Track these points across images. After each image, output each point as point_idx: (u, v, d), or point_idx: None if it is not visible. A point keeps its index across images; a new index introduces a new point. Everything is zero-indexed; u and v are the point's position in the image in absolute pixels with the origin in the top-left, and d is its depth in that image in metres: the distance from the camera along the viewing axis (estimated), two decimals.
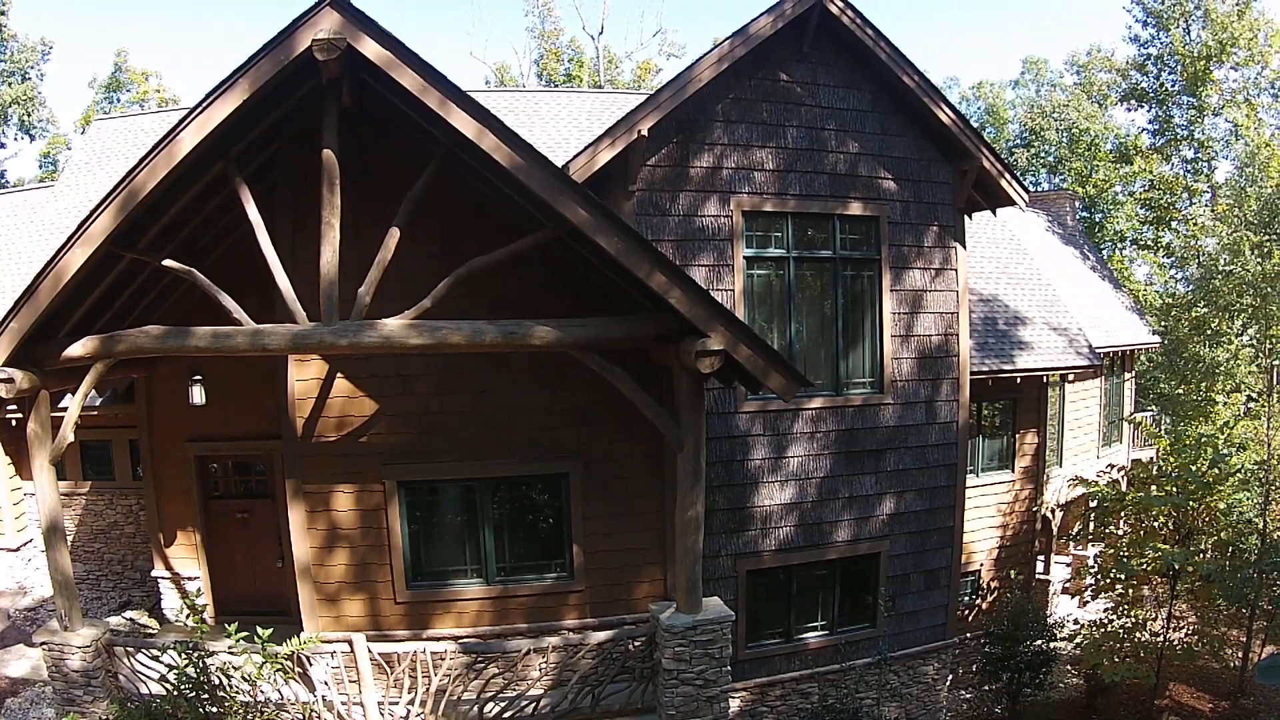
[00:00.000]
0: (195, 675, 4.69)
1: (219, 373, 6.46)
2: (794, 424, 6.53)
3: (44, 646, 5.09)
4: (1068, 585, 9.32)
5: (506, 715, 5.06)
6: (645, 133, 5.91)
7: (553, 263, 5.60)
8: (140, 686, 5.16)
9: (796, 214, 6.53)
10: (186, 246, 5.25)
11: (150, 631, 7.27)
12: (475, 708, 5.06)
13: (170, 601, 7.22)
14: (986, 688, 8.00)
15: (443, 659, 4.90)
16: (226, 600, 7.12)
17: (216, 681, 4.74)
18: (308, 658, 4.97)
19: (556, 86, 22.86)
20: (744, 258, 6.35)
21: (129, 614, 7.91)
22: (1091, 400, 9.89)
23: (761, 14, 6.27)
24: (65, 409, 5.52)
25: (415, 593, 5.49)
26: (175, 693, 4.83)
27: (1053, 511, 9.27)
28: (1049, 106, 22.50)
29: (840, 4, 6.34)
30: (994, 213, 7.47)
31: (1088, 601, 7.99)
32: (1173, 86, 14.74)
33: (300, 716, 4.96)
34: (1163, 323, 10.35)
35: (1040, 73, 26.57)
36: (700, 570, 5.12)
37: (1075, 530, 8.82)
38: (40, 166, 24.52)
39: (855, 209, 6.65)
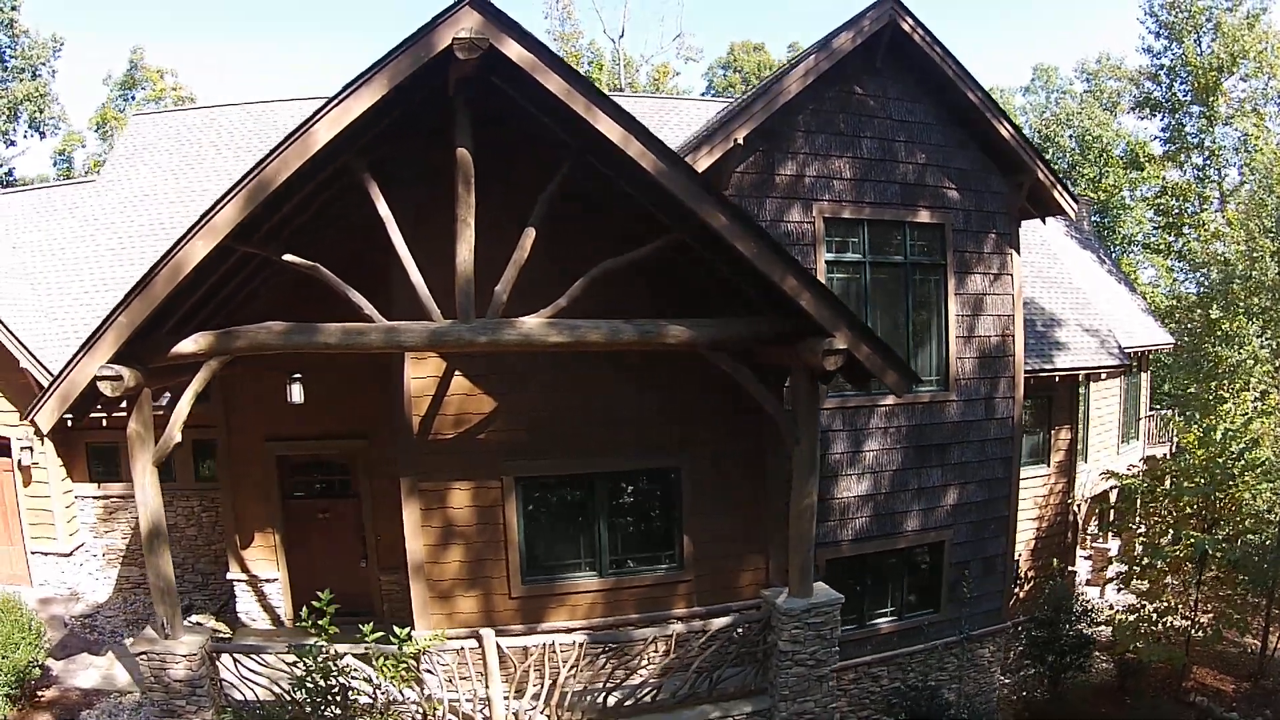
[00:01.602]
0: (320, 678, 4.62)
1: (302, 374, 6.37)
2: (870, 420, 6.81)
3: (143, 656, 4.90)
4: (1090, 578, 9.84)
5: (628, 704, 5.16)
6: (740, 141, 6.13)
7: (662, 265, 5.72)
8: (244, 693, 5.01)
9: (871, 220, 6.83)
10: (291, 242, 5.16)
11: (224, 636, 7.09)
12: (601, 697, 5.15)
13: (244, 605, 7.04)
14: (1029, 671, 8.39)
15: (571, 651, 4.97)
16: (306, 601, 6.93)
17: (342, 684, 4.67)
18: (417, 655, 4.94)
19: (620, 91, 22.93)
20: (825, 262, 6.60)
21: (194, 619, 7.66)
22: (1112, 399, 10.51)
23: (842, 30, 6.56)
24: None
25: (530, 587, 5.54)
26: (290, 698, 4.76)
27: (1078, 506, 9.80)
28: (1062, 113, 23.25)
29: (911, 23, 6.68)
30: (1044, 221, 7.92)
31: (1105, 592, 8.51)
32: (1184, 96, 15.59)
33: (422, 715, 4.93)
34: (1170, 324, 11.05)
35: (1050, 80, 27.44)
36: (812, 556, 5.33)
37: (1103, 523, 9.35)
38: (54, 164, 23.93)
39: (923, 217, 6.99)
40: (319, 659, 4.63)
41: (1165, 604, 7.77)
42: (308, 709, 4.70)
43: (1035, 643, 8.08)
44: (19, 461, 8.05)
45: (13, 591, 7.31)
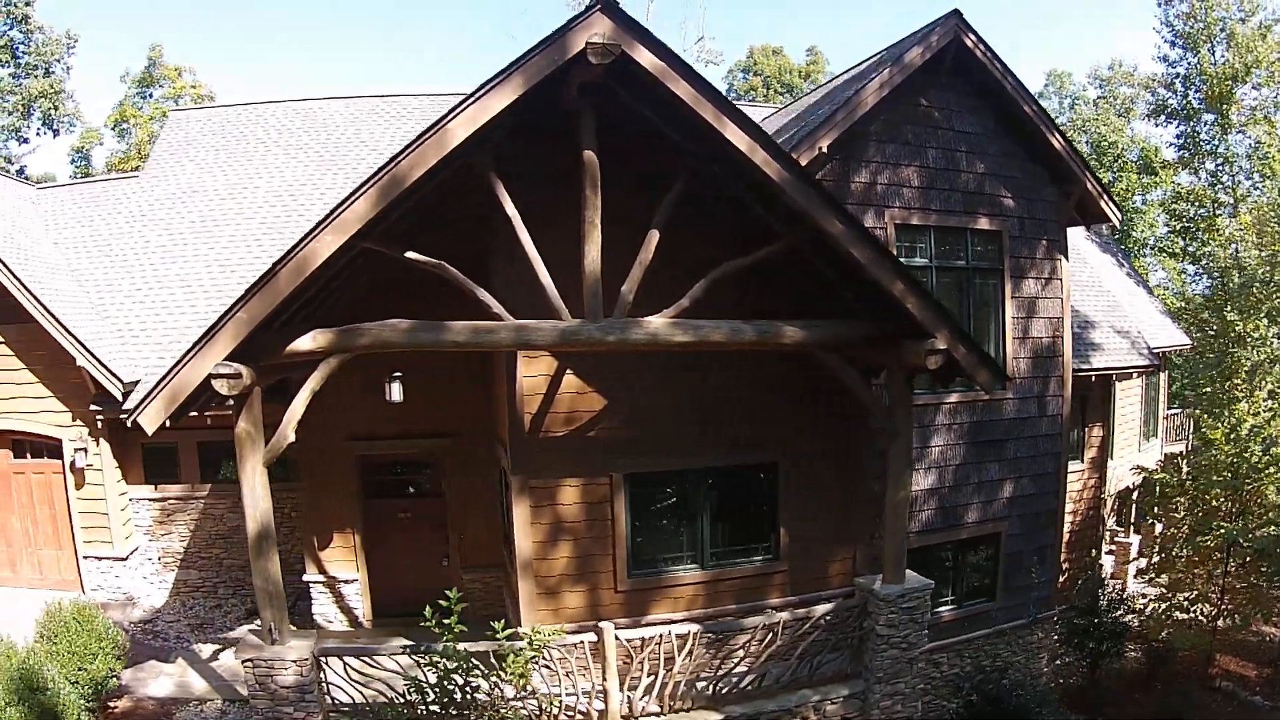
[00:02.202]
0: (454, 677, 4.65)
1: (382, 372, 6.40)
2: (935, 417, 7.14)
3: (248, 664, 4.85)
4: (1113, 570, 10.37)
5: (732, 691, 5.34)
6: (824, 149, 6.41)
7: (764, 267, 5.86)
8: (351, 696, 4.96)
9: (937, 227, 7.17)
10: (409, 239, 5.20)
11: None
12: (709, 686, 5.32)
13: (320, 608, 7.01)
14: (1065, 660, 8.81)
15: (686, 640, 5.14)
16: (385, 602, 7.00)
17: (470, 682, 4.69)
18: (540, 651, 5.01)
19: None
20: None
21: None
22: (1135, 398, 11.11)
23: (911, 45, 6.89)
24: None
25: (635, 581, 5.68)
26: (405, 699, 4.77)
27: (1105, 501, 10.35)
28: (1077, 119, 23.86)
29: (974, 38, 7.05)
30: (1088, 228, 8.39)
31: (1127, 584, 9.00)
32: (1198, 105, 16.40)
33: (538, 710, 5.00)
34: (1180, 325, 11.73)
35: (1063, 85, 28.24)
36: (905, 545, 5.61)
37: (1123, 518, 9.87)
38: (72, 162, 23.56)
39: (983, 224, 7.36)
40: (453, 659, 4.60)
41: (1196, 592, 8.28)
42: (434, 709, 4.72)
43: (1075, 630, 8.50)
44: (72, 463, 7.86)
45: (74, 598, 7.15)
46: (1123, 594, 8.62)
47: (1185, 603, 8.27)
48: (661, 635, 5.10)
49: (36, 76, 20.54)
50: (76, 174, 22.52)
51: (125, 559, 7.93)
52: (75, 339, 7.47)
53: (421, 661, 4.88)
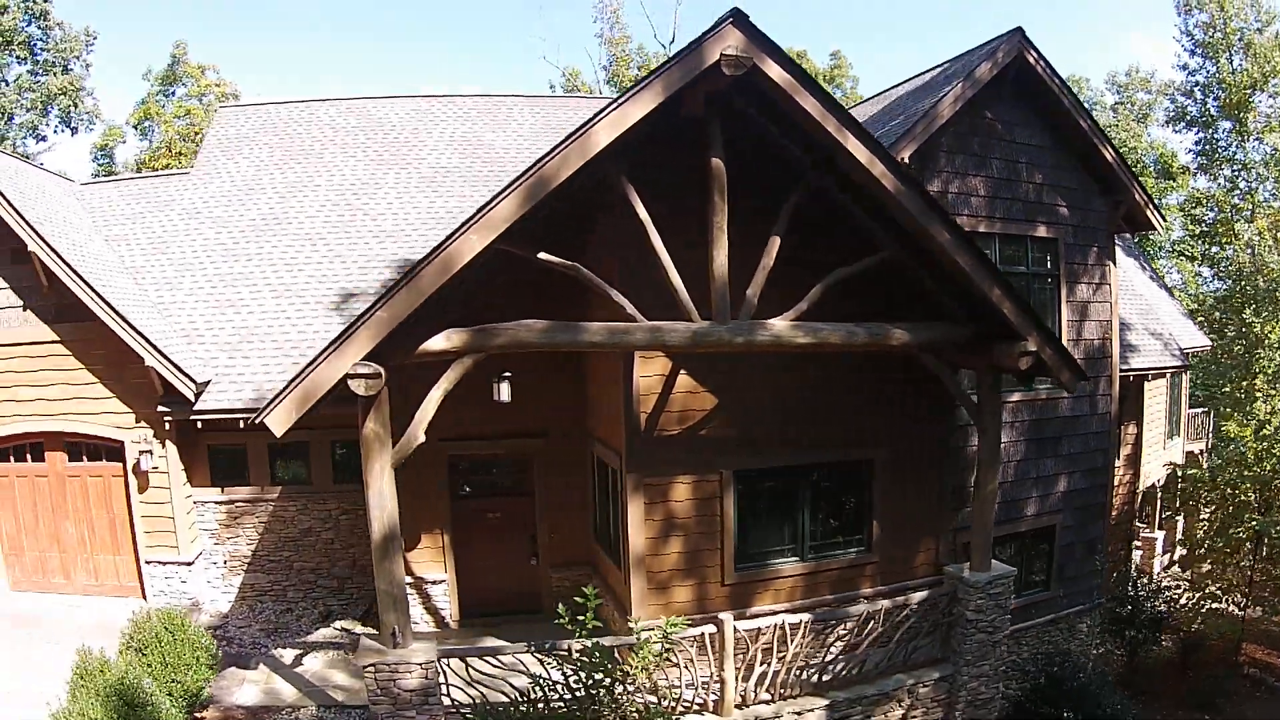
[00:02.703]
0: (567, 675, 4.77)
1: (471, 371, 6.49)
2: (999, 415, 7.52)
3: (370, 669, 4.86)
4: (1140, 564, 10.96)
5: (833, 678, 5.61)
6: (907, 159, 6.74)
7: (866, 273, 6.10)
8: (469, 696, 5.03)
9: (1000, 234, 7.57)
10: (538, 240, 5.29)
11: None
12: (814, 674, 5.58)
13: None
14: (1104, 649, 9.28)
15: (797, 630, 5.38)
16: (471, 602, 7.08)
17: (599, 678, 4.78)
18: (669, 645, 5.18)
19: None
20: None
21: (339, 624, 7.60)
22: (1161, 397, 11.76)
23: (981, 61, 7.27)
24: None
25: (741, 574, 5.90)
26: (528, 696, 4.89)
27: (1139, 495, 10.92)
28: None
29: (1035, 55, 7.47)
30: (1133, 236, 8.90)
31: (1153, 577, 9.55)
32: (1216, 113, 17.15)
33: (656, 701, 5.17)
34: (1204, 326, 12.44)
35: (1081, 90, 28.85)
36: (991, 535, 5.95)
37: (1149, 513, 10.46)
38: (95, 160, 23.63)
39: (1041, 231, 7.79)
40: (591, 656, 4.71)
41: (1226, 582, 8.84)
42: (558, 706, 4.83)
43: (1116, 619, 9.00)
44: (135, 465, 7.74)
45: (151, 606, 7.07)
46: (1159, 585, 9.15)
47: (1218, 592, 8.82)
48: (776, 625, 5.34)
49: (55, 73, 20.63)
50: (99, 172, 22.31)
51: (191, 564, 7.85)
52: (144, 338, 7.39)
53: (546, 660, 5.00)
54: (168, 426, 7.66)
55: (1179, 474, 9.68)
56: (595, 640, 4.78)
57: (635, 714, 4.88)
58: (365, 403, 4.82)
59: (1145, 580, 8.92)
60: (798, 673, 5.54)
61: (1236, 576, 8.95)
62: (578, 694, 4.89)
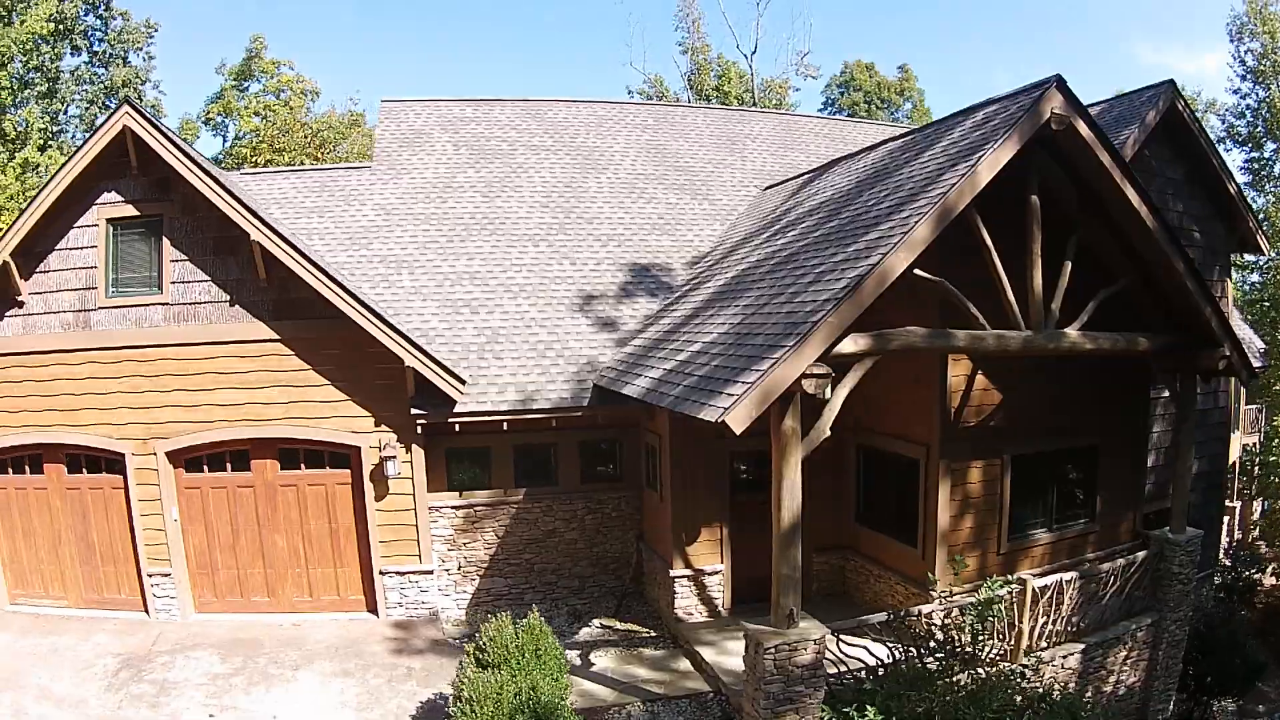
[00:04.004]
0: (925, 636, 7.24)
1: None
2: (1154, 408, 10.85)
3: (770, 650, 6.48)
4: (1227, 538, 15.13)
5: (1079, 626, 8.43)
6: None
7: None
8: (838, 669, 7.06)
9: None
10: None
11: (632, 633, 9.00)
12: (1077, 623, 8.38)
13: (683, 601, 9.02)
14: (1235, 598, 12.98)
15: (1070, 585, 8.15)
16: (741, 590, 9.24)
17: (979, 629, 7.21)
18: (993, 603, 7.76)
19: (861, 118, 27.55)
20: None
21: (599, 622, 9.40)
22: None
23: (1146, 109, 10.54)
24: None
25: (1011, 544, 8.55)
26: (893, 661, 7.23)
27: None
28: None
29: (1183, 104, 10.90)
30: (1241, 256, 12.69)
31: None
32: (1263, 134, 22.31)
33: (973, 649, 7.72)
34: (1261, 329, 16.95)
35: None
36: (1186, 503, 9.09)
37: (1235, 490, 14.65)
38: None
39: None
40: (980, 609, 7.10)
41: None
42: (920, 665, 7.21)
43: (1219, 587, 12.77)
44: (373, 471, 9.08)
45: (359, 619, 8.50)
46: (1254, 554, 13.07)
47: None
48: (1055, 583, 8.07)
49: (117, 65, 23.62)
50: None
51: (431, 572, 9.31)
52: (405, 337, 8.80)
53: (897, 628, 7.38)
54: (419, 430, 9.13)
55: (1255, 459, 13.75)
56: (967, 601, 7.27)
57: (984, 663, 7.42)
58: (783, 403, 6.57)
59: (1245, 552, 12.76)
60: (1063, 623, 8.33)
61: None
62: (938, 652, 7.28)
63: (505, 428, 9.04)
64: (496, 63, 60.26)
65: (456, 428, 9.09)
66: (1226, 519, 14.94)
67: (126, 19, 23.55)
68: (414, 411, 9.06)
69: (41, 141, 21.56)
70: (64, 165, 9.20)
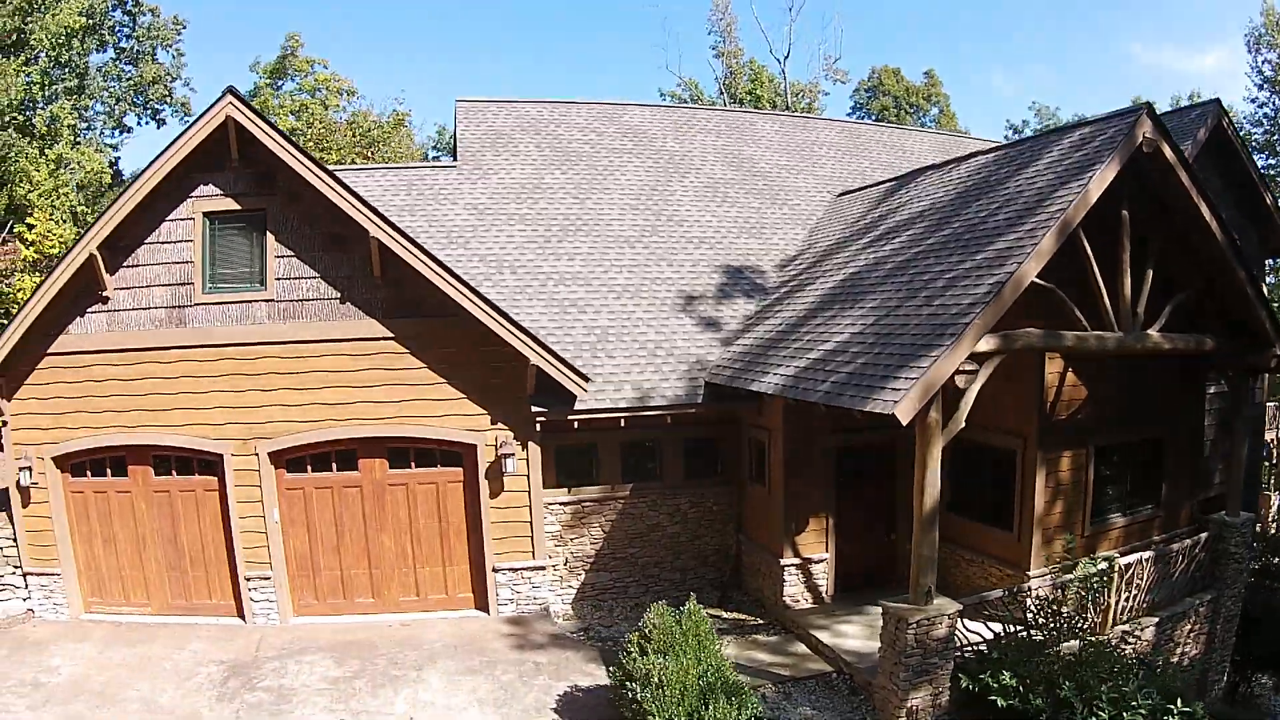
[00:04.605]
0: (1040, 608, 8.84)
1: None
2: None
3: (912, 625, 7.86)
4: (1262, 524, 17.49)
5: (1158, 601, 10.21)
6: None
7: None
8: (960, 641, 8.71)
9: None
10: None
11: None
12: (1150, 598, 10.14)
13: (791, 589, 10.37)
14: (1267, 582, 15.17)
15: (1149, 564, 9.88)
16: (843, 577, 10.65)
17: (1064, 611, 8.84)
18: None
19: (905, 125, 31.15)
20: None
21: (706, 612, 10.59)
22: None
23: (1199, 127, 12.51)
24: None
25: (1093, 527, 10.21)
26: (1005, 633, 8.81)
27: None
28: None
29: (1228, 121, 12.95)
30: (1274, 260, 14.91)
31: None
32: (1278, 142, 25.27)
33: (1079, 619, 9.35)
34: None
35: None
36: (1241, 490, 10.99)
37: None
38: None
39: None
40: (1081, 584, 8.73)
41: None
42: (1026, 634, 8.80)
43: (1264, 570, 14.94)
44: (489, 469, 10.06)
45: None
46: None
47: None
48: (1137, 561, 9.79)
49: (146, 61, 26.24)
50: None
51: (544, 568, 10.35)
52: (530, 336, 9.80)
53: (1010, 604, 8.96)
54: (538, 427, 10.18)
55: (1275, 453, 16.10)
56: (1075, 575, 8.87)
57: (1083, 634, 9.03)
58: (922, 393, 8.26)
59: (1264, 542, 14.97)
60: (1141, 598, 10.07)
61: None
62: (1046, 625, 8.85)
63: (622, 424, 10.19)
64: (526, 65, 69.79)
65: (575, 425, 10.19)
66: (1261, 509, 17.38)
67: (156, 15, 25.99)
68: (534, 409, 10.10)
69: (73, 138, 23.28)
70: (159, 157, 9.83)
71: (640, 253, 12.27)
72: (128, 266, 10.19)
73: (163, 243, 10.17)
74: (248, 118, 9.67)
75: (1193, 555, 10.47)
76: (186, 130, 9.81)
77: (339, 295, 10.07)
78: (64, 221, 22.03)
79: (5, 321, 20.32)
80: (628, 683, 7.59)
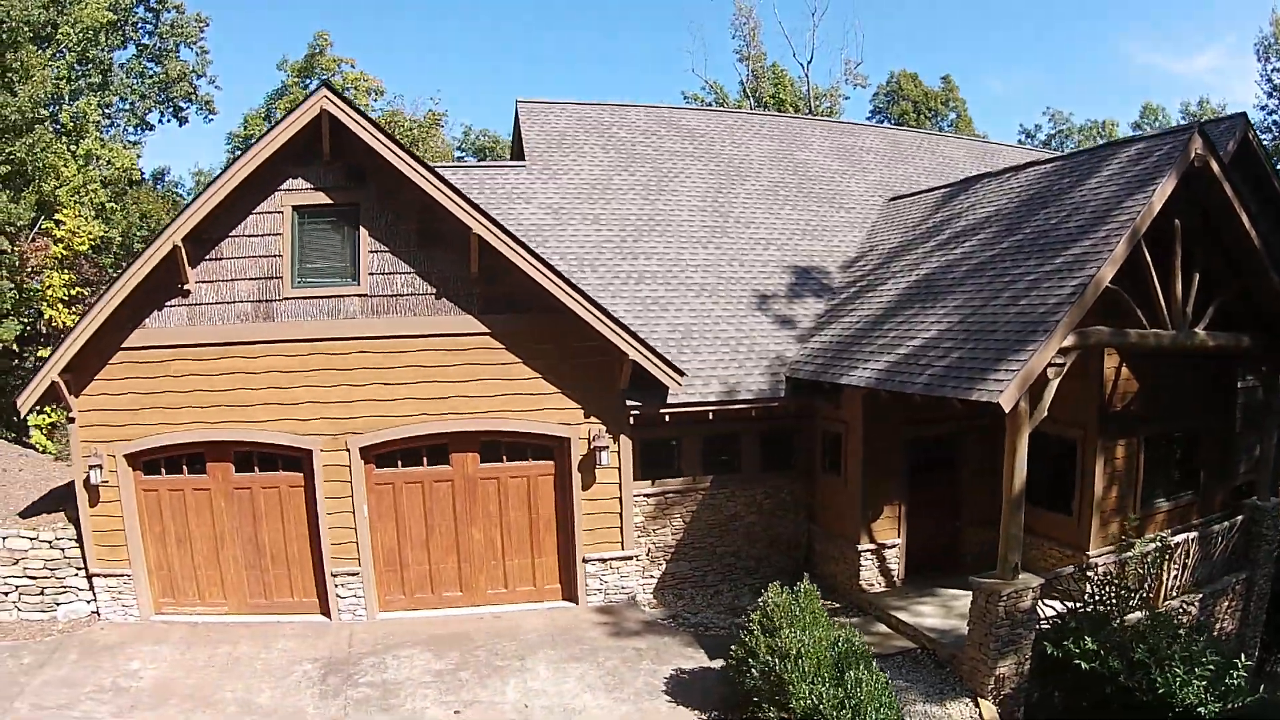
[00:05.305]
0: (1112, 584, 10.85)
1: None
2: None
3: (1004, 599, 9.75)
4: None
5: (1199, 579, 12.36)
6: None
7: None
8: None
9: None
10: None
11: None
12: (1194, 576, 12.27)
13: (866, 574, 12.12)
14: None
15: (1194, 543, 12.00)
16: (913, 561, 12.46)
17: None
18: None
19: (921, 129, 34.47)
20: None
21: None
22: None
23: (1228, 140, 14.85)
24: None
25: (1142, 511, 12.26)
26: (1078, 607, 10.79)
27: None
28: None
29: (1253, 133, 15.37)
30: None
31: None
32: None
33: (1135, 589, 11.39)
34: None
35: (1157, 118, 42.53)
36: (1270, 478, 13.29)
37: None
38: (231, 149, 34.23)
39: None
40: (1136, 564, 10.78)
41: None
42: (1097, 609, 10.79)
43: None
44: (582, 462, 11.46)
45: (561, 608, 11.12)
46: None
47: None
48: (1184, 540, 11.91)
49: (169, 59, 28.87)
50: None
51: (632, 558, 11.81)
52: (629, 332, 11.23)
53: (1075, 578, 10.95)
54: (632, 421, 11.65)
55: None
56: (1133, 553, 10.89)
57: (1142, 607, 11.05)
58: (1018, 384, 10.23)
59: None
60: (1187, 576, 12.21)
61: None
62: (1111, 598, 10.85)
63: (710, 417, 11.73)
64: (546, 64, 76.83)
65: (665, 418, 11.68)
66: None
67: (180, 11, 28.46)
68: (629, 403, 11.56)
69: (99, 135, 25.28)
70: (249, 149, 10.93)
71: (712, 253, 13.87)
72: (209, 260, 11.22)
73: (248, 236, 11.23)
74: (344, 112, 10.84)
75: (1229, 537, 12.68)
76: (279, 124, 10.91)
77: (434, 291, 11.32)
78: (92, 218, 23.03)
79: (21, 318, 20.85)
80: (750, 660, 9.14)
